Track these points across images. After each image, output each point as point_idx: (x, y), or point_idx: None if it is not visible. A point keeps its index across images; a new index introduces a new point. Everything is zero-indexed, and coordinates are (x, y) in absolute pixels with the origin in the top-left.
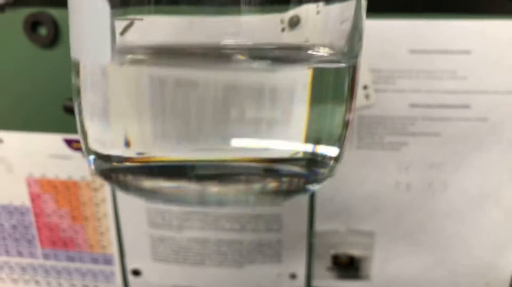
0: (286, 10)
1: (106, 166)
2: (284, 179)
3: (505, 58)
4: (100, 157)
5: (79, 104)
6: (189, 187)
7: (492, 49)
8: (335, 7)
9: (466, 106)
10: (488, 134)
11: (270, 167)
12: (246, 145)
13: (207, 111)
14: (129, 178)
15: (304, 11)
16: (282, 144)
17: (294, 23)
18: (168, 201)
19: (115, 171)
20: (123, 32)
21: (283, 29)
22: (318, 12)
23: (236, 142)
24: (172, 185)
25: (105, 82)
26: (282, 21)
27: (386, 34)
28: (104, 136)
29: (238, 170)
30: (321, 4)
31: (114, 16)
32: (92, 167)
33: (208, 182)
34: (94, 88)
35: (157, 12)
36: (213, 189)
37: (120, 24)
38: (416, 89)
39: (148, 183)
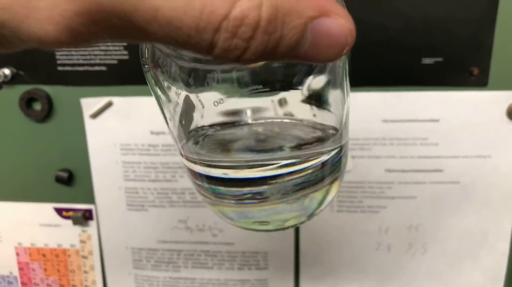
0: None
1: None
2: None
3: (471, 125)
4: None
5: None
6: None
7: (459, 117)
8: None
9: (439, 170)
10: (461, 196)
11: None
12: None
13: None
14: None
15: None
16: None
17: (283, 103)
18: None
19: None
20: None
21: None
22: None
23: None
24: None
25: None
26: (272, 101)
27: (360, 105)
28: None
29: None
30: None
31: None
32: None
33: None
34: None
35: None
36: None
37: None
38: (390, 155)
39: None
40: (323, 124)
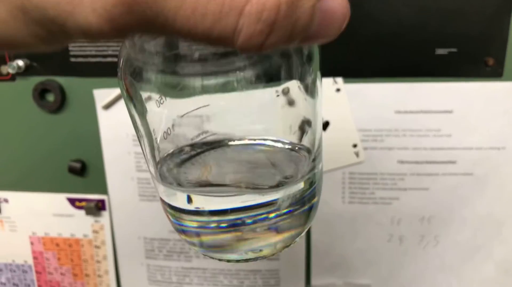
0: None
1: None
2: None
3: (485, 116)
4: None
5: None
6: None
7: (473, 108)
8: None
9: (452, 162)
10: (474, 188)
11: None
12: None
13: None
14: None
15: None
16: None
17: (286, 92)
18: None
19: None
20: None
21: (277, 95)
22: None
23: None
24: None
25: None
26: (277, 91)
27: (373, 96)
28: None
29: None
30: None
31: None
32: None
33: None
34: None
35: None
36: None
37: None
38: (403, 147)
39: None
40: (300, 145)
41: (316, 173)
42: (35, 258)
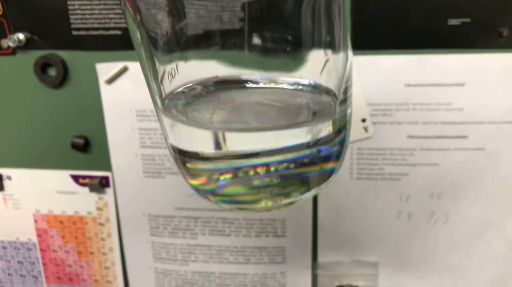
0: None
1: None
2: None
3: (498, 89)
4: None
5: None
6: None
7: (485, 81)
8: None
9: (463, 136)
10: (486, 164)
11: None
12: None
13: None
14: None
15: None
16: None
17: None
18: None
19: None
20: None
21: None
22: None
23: None
24: None
25: None
26: None
27: (382, 69)
28: None
29: None
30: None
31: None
32: None
33: None
34: None
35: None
36: None
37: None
38: (413, 121)
39: None
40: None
41: (346, 116)
42: (39, 235)
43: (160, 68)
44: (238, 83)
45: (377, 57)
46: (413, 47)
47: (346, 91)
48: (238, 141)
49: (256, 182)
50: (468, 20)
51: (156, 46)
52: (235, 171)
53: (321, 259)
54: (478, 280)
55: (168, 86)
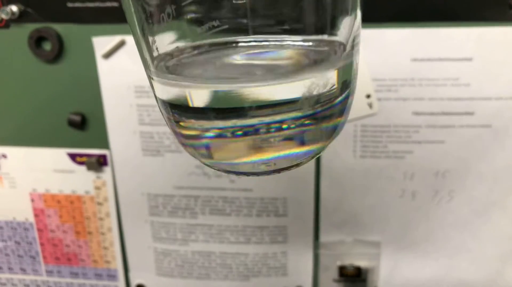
0: None
1: None
2: None
3: (507, 64)
4: None
5: None
6: None
7: (493, 56)
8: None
9: (469, 113)
10: (492, 141)
11: None
12: None
13: None
14: None
15: None
16: None
17: None
18: None
19: None
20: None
21: None
22: None
23: None
24: None
25: None
26: None
27: (388, 43)
28: None
29: None
30: None
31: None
32: None
33: None
34: None
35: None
36: None
37: None
38: (419, 97)
39: None
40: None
41: (351, 67)
42: (36, 215)
43: (153, 38)
44: (233, 43)
45: (383, 31)
46: (420, 20)
47: (353, 42)
48: (209, 96)
49: (248, 141)
50: None
51: (151, 18)
52: (224, 129)
53: (323, 238)
54: (482, 259)
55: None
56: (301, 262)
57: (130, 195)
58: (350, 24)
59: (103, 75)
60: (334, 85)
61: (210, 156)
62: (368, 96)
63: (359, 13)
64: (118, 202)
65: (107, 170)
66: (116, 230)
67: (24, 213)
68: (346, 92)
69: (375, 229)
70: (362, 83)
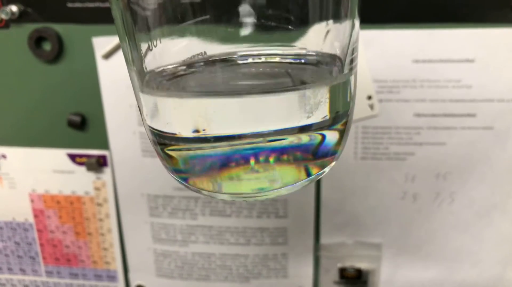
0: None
1: None
2: None
3: (509, 66)
4: None
5: None
6: None
7: (495, 57)
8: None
9: (471, 115)
10: (494, 143)
11: None
12: None
13: None
14: None
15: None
16: None
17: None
18: None
19: None
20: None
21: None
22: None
23: None
24: None
25: None
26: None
27: (390, 44)
28: None
29: None
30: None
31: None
32: None
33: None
34: None
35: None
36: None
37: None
38: (420, 99)
39: None
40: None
41: (349, 84)
42: (36, 216)
43: (142, 46)
44: (225, 62)
45: (385, 32)
46: (422, 21)
47: (352, 61)
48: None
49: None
50: None
51: (137, 21)
52: (198, 149)
53: (323, 240)
54: (484, 261)
55: (150, 64)
56: (301, 264)
57: (130, 195)
58: (345, 33)
59: (103, 75)
60: (325, 112)
61: (185, 180)
62: (369, 97)
63: (357, 23)
64: (118, 202)
65: (107, 170)
66: (115, 231)
67: (23, 213)
68: (340, 117)
69: (376, 231)
70: (364, 85)
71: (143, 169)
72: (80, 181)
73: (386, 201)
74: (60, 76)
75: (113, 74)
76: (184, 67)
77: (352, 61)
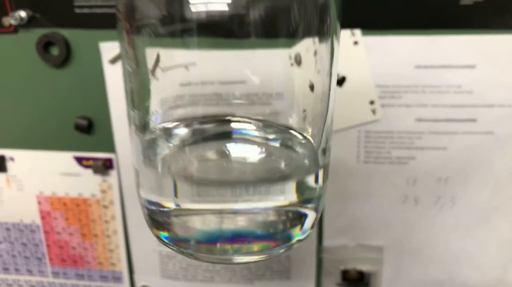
0: (292, 45)
1: None
2: None
3: (510, 72)
4: None
5: None
6: None
7: (496, 63)
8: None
9: (472, 120)
10: (495, 148)
11: None
12: None
13: None
14: None
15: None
16: None
17: (298, 61)
18: None
19: None
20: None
21: (291, 65)
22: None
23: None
24: None
25: None
26: (290, 57)
27: (392, 50)
28: None
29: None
30: (316, 40)
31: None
32: None
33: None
34: None
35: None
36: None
37: None
38: (422, 104)
39: None
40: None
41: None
42: (43, 217)
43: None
44: (222, 135)
45: (387, 38)
46: (424, 28)
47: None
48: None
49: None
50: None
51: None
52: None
53: (326, 243)
54: (484, 265)
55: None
56: (304, 266)
57: (136, 198)
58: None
59: (110, 80)
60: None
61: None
62: (372, 102)
63: (330, 115)
64: (124, 205)
65: (113, 173)
66: (121, 232)
67: (31, 215)
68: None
69: (378, 234)
70: (366, 89)
71: None
72: (86, 184)
73: (388, 205)
74: (67, 81)
75: (119, 78)
76: (179, 141)
77: (324, 151)
